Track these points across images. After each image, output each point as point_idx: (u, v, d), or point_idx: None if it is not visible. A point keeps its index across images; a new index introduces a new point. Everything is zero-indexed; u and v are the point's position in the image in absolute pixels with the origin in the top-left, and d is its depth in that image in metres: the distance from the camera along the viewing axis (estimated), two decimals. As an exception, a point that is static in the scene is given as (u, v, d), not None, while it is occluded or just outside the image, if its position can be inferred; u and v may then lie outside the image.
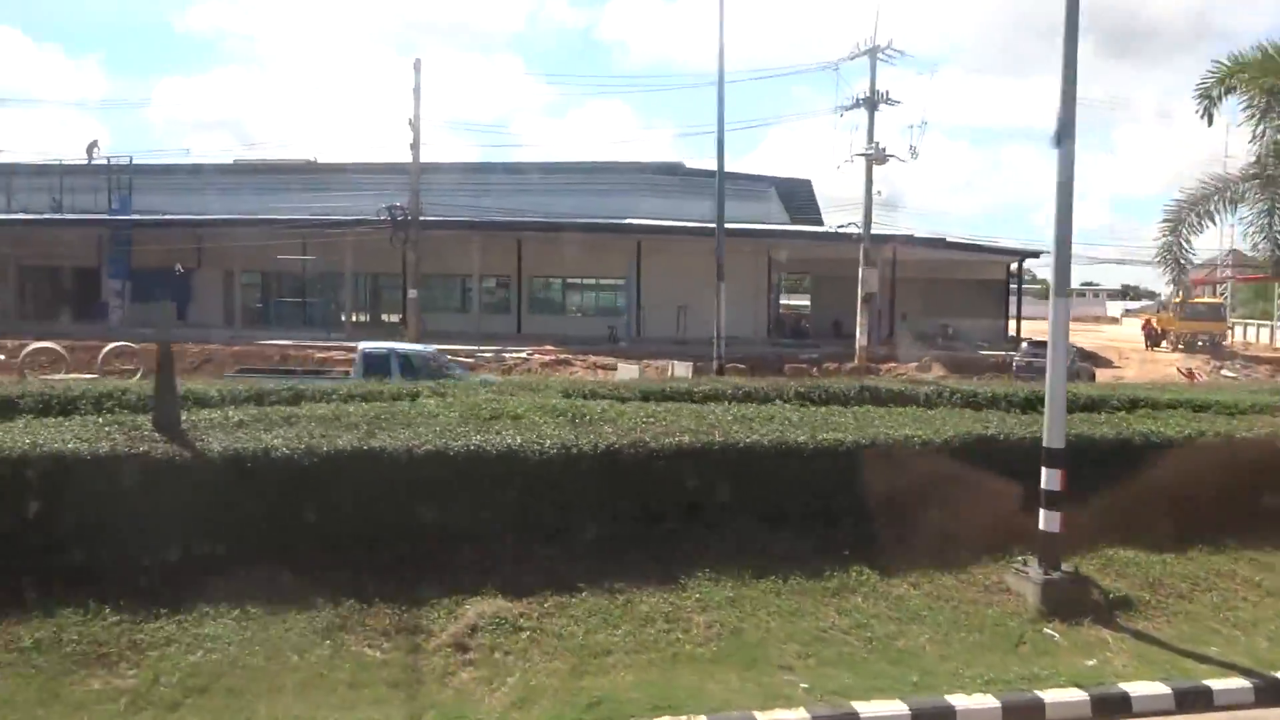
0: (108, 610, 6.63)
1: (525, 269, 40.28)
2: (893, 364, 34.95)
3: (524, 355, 33.05)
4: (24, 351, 27.72)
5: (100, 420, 8.14)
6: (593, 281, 43.25)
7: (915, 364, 34.28)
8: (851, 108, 34.61)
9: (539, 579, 7.44)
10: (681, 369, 26.02)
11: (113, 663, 6.24)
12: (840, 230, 37.31)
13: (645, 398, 11.33)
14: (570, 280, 43.18)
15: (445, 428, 8.28)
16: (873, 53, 34.29)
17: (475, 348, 33.06)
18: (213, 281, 40.58)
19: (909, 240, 38.83)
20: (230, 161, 46.89)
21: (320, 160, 46.91)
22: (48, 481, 7.06)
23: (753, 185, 41.24)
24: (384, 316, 43.72)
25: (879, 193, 35.54)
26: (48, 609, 6.58)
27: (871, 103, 34.28)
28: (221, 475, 7.33)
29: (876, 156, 34.47)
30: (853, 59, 34.56)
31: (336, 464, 7.52)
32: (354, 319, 39.27)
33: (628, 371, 25.72)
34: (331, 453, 7.52)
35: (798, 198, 43.95)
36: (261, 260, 38.53)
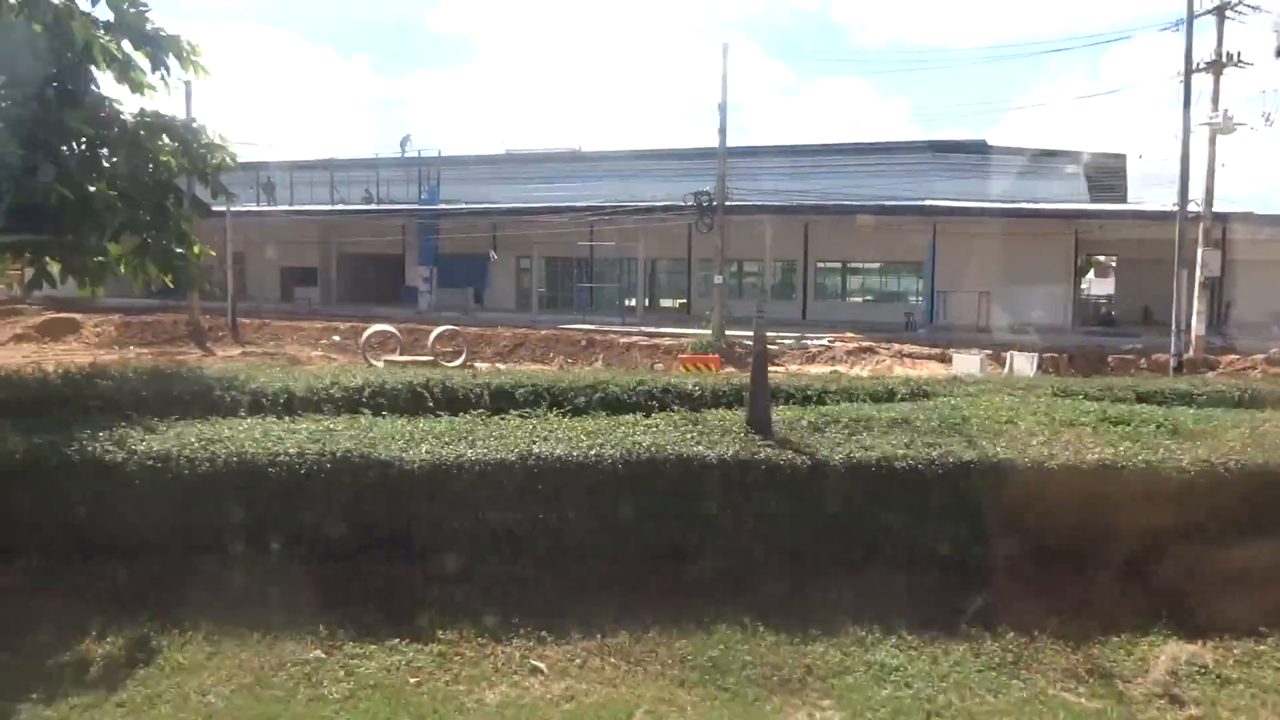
0: (761, 627, 6.20)
1: (811, 253, 39.31)
2: (1233, 357, 31.53)
3: (825, 342, 32.04)
4: (365, 334, 29.45)
5: (676, 418, 7.80)
6: (876, 266, 41.70)
7: (1263, 356, 30.71)
8: (1197, 72, 31.22)
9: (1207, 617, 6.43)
10: (1023, 362, 24.14)
11: (796, 689, 5.74)
12: (1175, 209, 33.84)
13: (1140, 399, 10.08)
14: (853, 265, 41.81)
15: (1027, 434, 7.39)
16: (1220, 10, 30.81)
17: (773, 334, 32.42)
18: (504, 267, 42.09)
19: (1247, 218, 34.86)
20: (502, 152, 48.64)
21: (583, 149, 47.97)
22: (674, 485, 6.74)
23: (1058, 161, 38.30)
24: (661, 301, 43.98)
25: (1222, 164, 32.03)
26: (699, 620, 6.23)
27: (1218, 66, 30.80)
28: (840, 485, 6.78)
29: (1222, 126, 30.93)
30: (1198, 17, 31.11)
31: (957, 476, 6.79)
32: (636, 304, 39.52)
33: (966, 364, 24.09)
34: (955, 464, 6.80)
35: (1107, 174, 40.40)
36: (549, 246, 39.58)
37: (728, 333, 31.51)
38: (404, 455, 6.67)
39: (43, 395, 8.58)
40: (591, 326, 33.74)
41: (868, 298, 40.94)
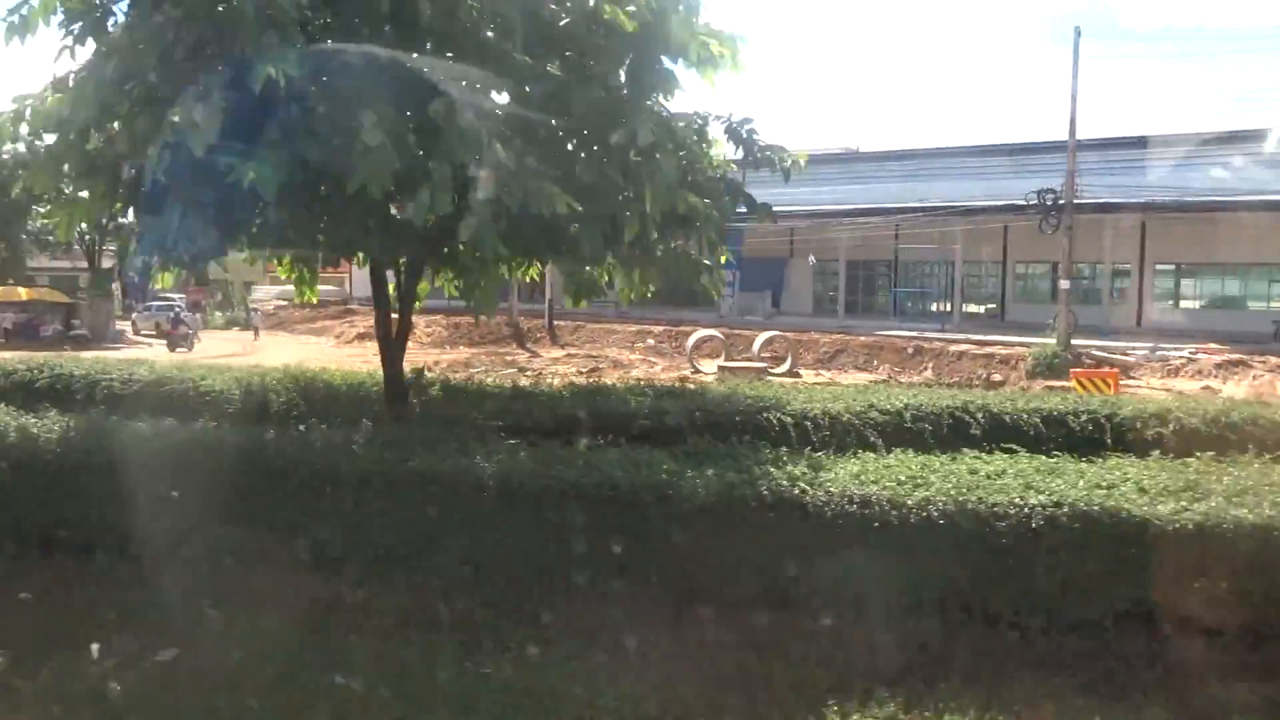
0: None
1: (1148, 254, 35.66)
2: None
3: (1186, 355, 28.70)
4: (692, 339, 29.23)
5: None
6: (1213, 264, 37.31)
7: None
8: None
9: None
10: None
11: None
12: None
13: None
14: (1187, 265, 37.62)
15: None
16: None
17: (1122, 344, 29.50)
18: (800, 269, 40.99)
19: None
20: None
21: (860, 149, 46.10)
22: None
23: None
24: (966, 306, 41.42)
25: None
26: None
27: None
28: None
29: None
30: None
31: None
32: (953, 309, 37.26)
33: None
34: None
35: None
36: (851, 249, 38.09)
37: (1071, 342, 28.91)
38: (1157, 512, 5.51)
39: (556, 415, 8.28)
40: (912, 333, 32.01)
41: (1221, 302, 36.61)
